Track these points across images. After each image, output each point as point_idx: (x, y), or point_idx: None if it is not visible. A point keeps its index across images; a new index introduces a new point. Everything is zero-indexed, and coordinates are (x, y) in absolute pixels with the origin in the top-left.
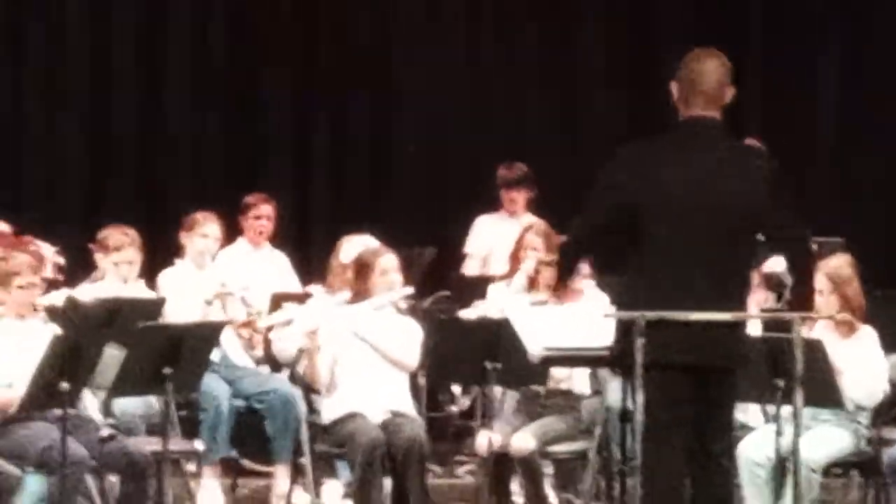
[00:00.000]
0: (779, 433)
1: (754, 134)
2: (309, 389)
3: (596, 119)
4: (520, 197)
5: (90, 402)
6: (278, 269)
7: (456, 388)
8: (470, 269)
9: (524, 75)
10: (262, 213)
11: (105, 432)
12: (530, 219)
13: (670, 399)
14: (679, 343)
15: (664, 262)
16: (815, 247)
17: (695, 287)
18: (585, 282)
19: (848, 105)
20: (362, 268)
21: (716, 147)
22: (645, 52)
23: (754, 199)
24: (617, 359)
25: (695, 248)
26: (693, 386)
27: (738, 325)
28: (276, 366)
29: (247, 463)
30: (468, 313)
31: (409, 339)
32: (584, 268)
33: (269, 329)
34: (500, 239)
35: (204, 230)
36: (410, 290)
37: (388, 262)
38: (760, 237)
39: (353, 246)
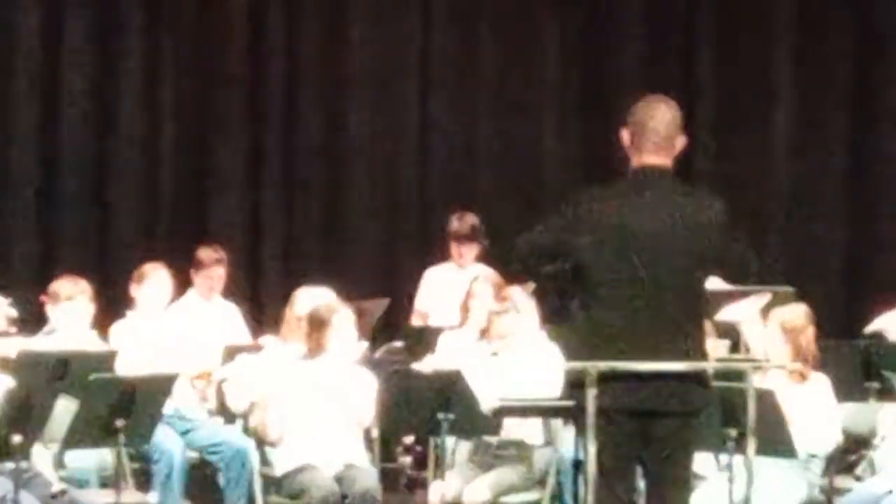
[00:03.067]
0: (731, 483)
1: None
2: (262, 441)
3: (549, 168)
4: (469, 251)
5: (41, 457)
6: (229, 321)
7: (408, 439)
8: (417, 324)
9: (477, 124)
10: (214, 274)
11: (55, 488)
12: (480, 269)
13: (621, 447)
14: (627, 389)
15: (614, 310)
16: (768, 296)
17: (646, 335)
18: (537, 333)
19: (799, 153)
20: (318, 323)
21: (668, 194)
22: (599, 102)
23: (707, 246)
24: (571, 408)
25: (645, 296)
26: (642, 433)
27: (691, 373)
28: (229, 417)
29: None
30: (421, 365)
31: (365, 393)
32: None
33: (223, 380)
34: (449, 290)
35: (154, 282)
36: (365, 345)
37: (344, 319)
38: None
39: (309, 298)
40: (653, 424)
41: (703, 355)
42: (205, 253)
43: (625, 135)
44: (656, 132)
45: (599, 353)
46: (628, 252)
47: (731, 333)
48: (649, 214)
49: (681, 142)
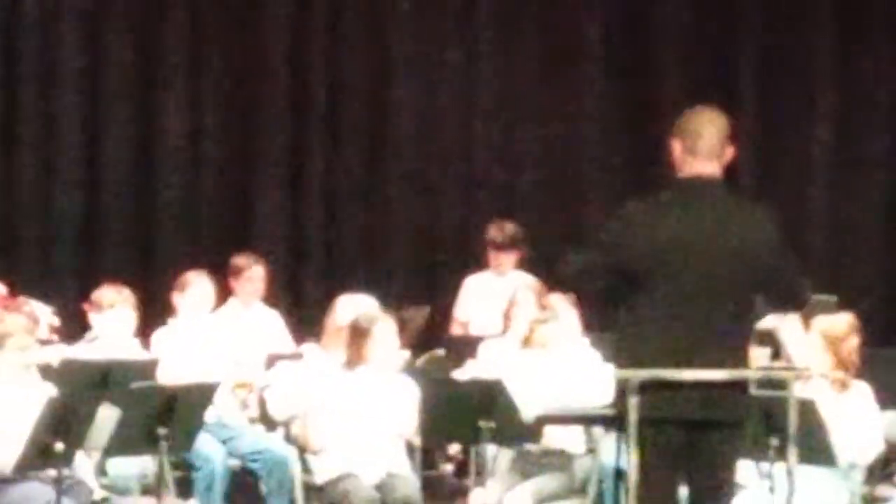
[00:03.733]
0: (772, 492)
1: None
2: (303, 449)
3: (591, 175)
4: (508, 259)
5: (83, 465)
6: (271, 329)
7: (452, 448)
8: (458, 332)
9: (518, 131)
10: (253, 276)
11: (97, 496)
12: (519, 276)
13: (667, 456)
14: (673, 399)
15: (664, 320)
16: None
17: (695, 346)
18: (578, 340)
19: (842, 162)
20: (359, 334)
21: (718, 204)
22: (643, 111)
23: (757, 257)
24: (616, 417)
25: (694, 305)
26: (687, 443)
27: (737, 383)
28: (270, 425)
29: None
30: (462, 373)
31: (407, 403)
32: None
33: (264, 388)
34: (489, 298)
35: (196, 290)
36: (407, 355)
37: (386, 330)
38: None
39: (351, 306)
40: (700, 435)
41: (747, 367)
42: (239, 259)
43: (675, 145)
44: (708, 142)
45: (648, 362)
46: (680, 262)
47: (771, 342)
48: (702, 224)
49: (730, 152)
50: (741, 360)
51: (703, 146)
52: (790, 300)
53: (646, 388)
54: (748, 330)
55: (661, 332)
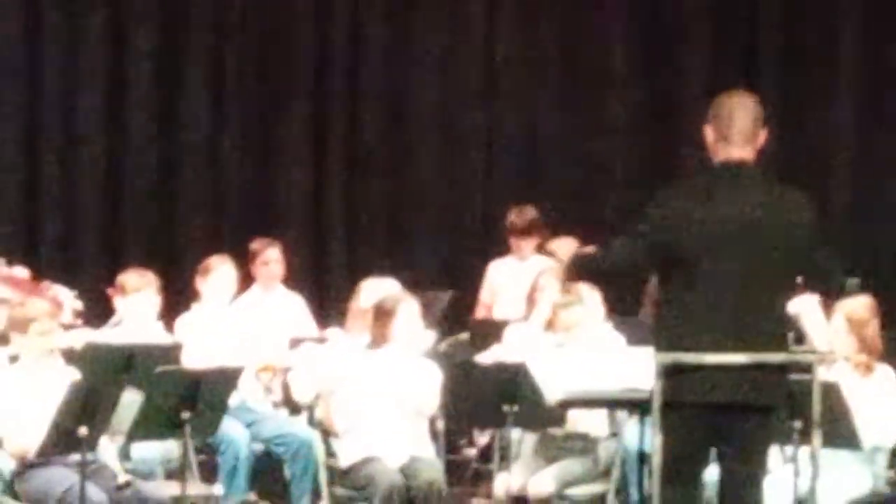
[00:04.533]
0: (797, 475)
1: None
2: (327, 433)
3: (613, 162)
4: (528, 244)
5: (107, 450)
6: (293, 313)
7: (474, 431)
8: (482, 316)
9: (542, 117)
10: (269, 258)
11: (121, 480)
12: (541, 261)
13: (696, 440)
14: (703, 382)
15: (703, 302)
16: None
17: (733, 328)
18: (602, 324)
19: (864, 146)
20: (383, 314)
21: (755, 188)
22: (666, 99)
23: (796, 240)
24: (641, 401)
25: (733, 289)
26: (718, 427)
27: (774, 367)
28: (294, 409)
29: None
30: (485, 357)
31: (429, 384)
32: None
33: (288, 371)
34: (512, 283)
35: (219, 275)
36: (433, 336)
37: (410, 309)
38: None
39: (375, 290)
40: (731, 419)
41: (785, 350)
42: (255, 244)
43: (708, 131)
44: (741, 127)
45: (689, 346)
46: (721, 246)
47: (795, 326)
48: (739, 208)
49: (763, 136)
50: (780, 344)
51: (736, 131)
52: (826, 283)
53: (676, 371)
54: (786, 314)
55: (702, 316)
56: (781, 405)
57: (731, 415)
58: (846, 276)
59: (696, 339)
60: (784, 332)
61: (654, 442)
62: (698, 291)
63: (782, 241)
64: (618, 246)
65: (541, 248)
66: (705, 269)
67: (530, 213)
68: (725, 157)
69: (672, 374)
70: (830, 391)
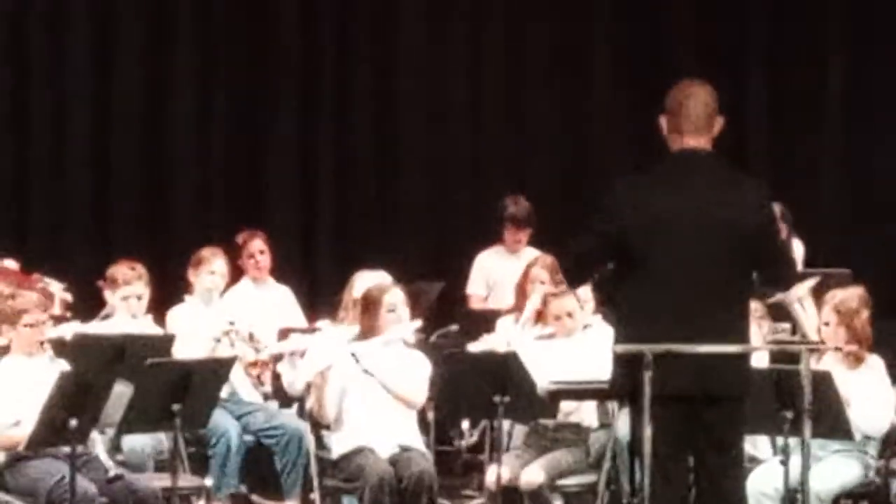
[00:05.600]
0: (787, 465)
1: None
2: (317, 424)
3: (598, 152)
4: (525, 235)
5: (97, 443)
6: (282, 304)
7: (465, 422)
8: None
9: (528, 109)
10: (254, 249)
11: (111, 473)
12: (532, 253)
13: (672, 432)
14: (677, 374)
15: (657, 293)
16: (816, 278)
17: (692, 316)
18: (592, 315)
19: (854, 135)
20: (369, 304)
21: (708, 176)
22: (653, 89)
23: (747, 226)
24: (623, 392)
25: (689, 276)
26: (694, 418)
27: (735, 356)
28: (284, 401)
29: (256, 498)
30: (476, 346)
31: (418, 375)
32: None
33: (278, 360)
34: (502, 274)
35: (211, 267)
36: (419, 323)
37: (395, 298)
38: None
39: (366, 281)
40: (701, 410)
41: (745, 339)
42: (240, 235)
43: (662, 121)
44: (694, 114)
45: (644, 336)
46: (671, 235)
47: (788, 317)
48: (691, 196)
49: (719, 123)
50: (739, 332)
51: (689, 122)
52: (778, 281)
53: (642, 363)
54: (743, 302)
55: (656, 307)
56: (746, 395)
57: (702, 406)
58: (831, 266)
59: (653, 332)
60: (743, 321)
61: (643, 433)
62: (652, 283)
63: (733, 230)
64: (578, 240)
65: (531, 240)
66: (657, 259)
67: (526, 203)
68: (679, 146)
69: (629, 365)
70: (822, 381)
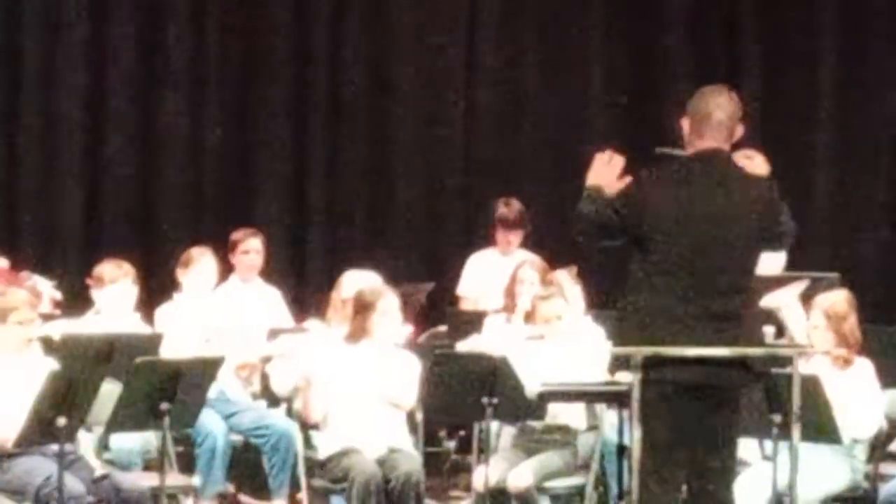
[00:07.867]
0: (776, 468)
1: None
2: (306, 425)
3: (591, 154)
4: (516, 237)
5: (84, 443)
6: (271, 305)
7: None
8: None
9: (521, 110)
10: (249, 248)
11: (97, 472)
12: (524, 255)
13: (669, 431)
14: (677, 370)
15: (669, 291)
16: (806, 282)
17: (699, 317)
18: (582, 317)
19: (844, 142)
20: (362, 306)
21: (719, 174)
22: (646, 87)
23: (757, 222)
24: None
25: (700, 278)
26: (694, 417)
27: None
28: (273, 401)
29: (244, 498)
30: (465, 345)
31: (408, 377)
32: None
33: (266, 361)
34: (493, 275)
35: (200, 266)
36: (410, 329)
37: (389, 304)
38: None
39: (355, 281)
40: (700, 413)
41: (752, 331)
42: (236, 233)
43: (685, 124)
44: (719, 122)
45: (653, 334)
46: (685, 235)
47: (775, 320)
48: (708, 197)
49: (739, 131)
50: (742, 328)
51: (711, 129)
52: (777, 238)
53: (651, 360)
54: (751, 302)
55: (667, 304)
56: (743, 395)
57: (698, 403)
58: (820, 271)
59: (661, 330)
60: (744, 316)
61: (633, 435)
62: (664, 282)
63: (747, 227)
64: (588, 210)
65: (524, 242)
66: (670, 259)
67: (518, 204)
68: (701, 147)
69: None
70: (810, 384)
